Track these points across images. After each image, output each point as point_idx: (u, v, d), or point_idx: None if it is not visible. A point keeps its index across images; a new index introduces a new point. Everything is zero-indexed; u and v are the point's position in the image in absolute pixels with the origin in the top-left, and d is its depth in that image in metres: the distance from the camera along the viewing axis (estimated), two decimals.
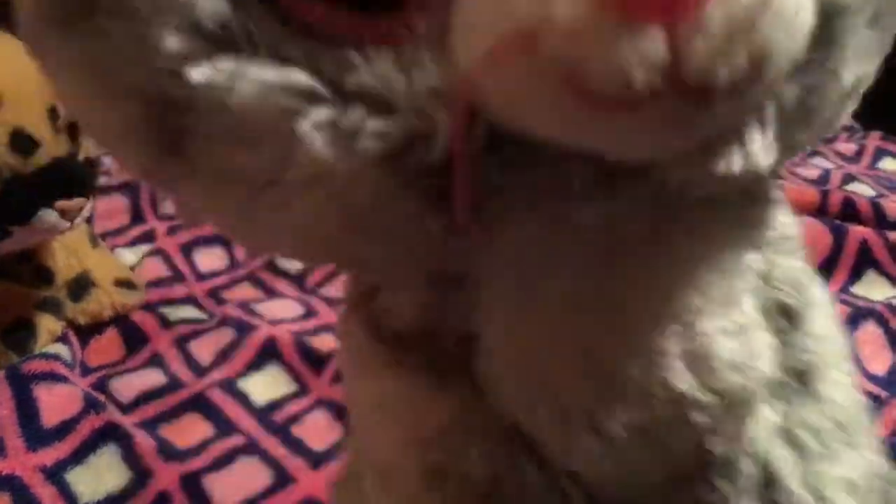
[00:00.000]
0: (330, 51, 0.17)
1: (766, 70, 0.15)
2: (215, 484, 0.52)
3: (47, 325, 0.62)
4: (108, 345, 0.66)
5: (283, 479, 0.53)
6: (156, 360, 0.64)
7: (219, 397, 0.59)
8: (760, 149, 0.19)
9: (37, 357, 0.59)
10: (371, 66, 0.17)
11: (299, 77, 0.17)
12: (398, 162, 0.17)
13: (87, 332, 0.66)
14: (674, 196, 0.20)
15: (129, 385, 0.61)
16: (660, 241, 0.21)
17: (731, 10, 0.14)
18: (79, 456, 0.52)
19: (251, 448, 0.55)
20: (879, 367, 0.63)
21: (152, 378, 0.61)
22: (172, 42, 0.16)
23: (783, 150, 0.20)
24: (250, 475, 0.53)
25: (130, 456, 0.52)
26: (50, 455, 0.52)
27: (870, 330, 0.64)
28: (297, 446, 0.55)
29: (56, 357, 0.59)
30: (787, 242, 0.26)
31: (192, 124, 0.18)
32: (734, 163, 0.19)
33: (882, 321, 0.65)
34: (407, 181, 0.18)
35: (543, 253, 0.20)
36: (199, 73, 0.17)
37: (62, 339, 0.63)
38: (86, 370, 0.63)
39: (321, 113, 0.17)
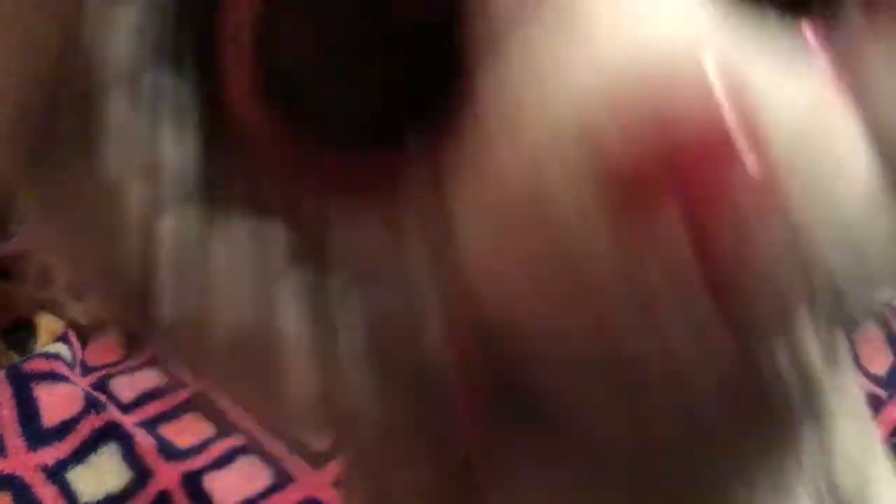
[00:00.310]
0: (313, 201, 0.15)
1: (805, 254, 0.13)
2: (215, 483, 0.52)
3: (48, 324, 0.63)
4: (108, 344, 0.66)
5: (283, 478, 0.53)
6: (156, 360, 0.64)
7: (219, 397, 0.59)
8: (808, 338, 0.15)
9: (37, 356, 0.59)
10: (357, 230, 0.15)
11: (277, 233, 0.15)
12: (399, 405, 0.15)
13: (87, 331, 0.66)
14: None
15: (130, 385, 0.61)
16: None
17: (756, 185, 0.12)
18: (79, 455, 0.52)
19: (251, 447, 0.55)
20: (879, 367, 0.63)
21: (153, 378, 0.61)
22: (138, 195, 0.14)
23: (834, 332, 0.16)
24: (250, 475, 0.53)
25: (131, 455, 0.52)
26: (51, 454, 0.52)
27: (870, 330, 0.64)
28: (297, 446, 0.55)
29: (56, 356, 0.59)
30: (848, 419, 0.21)
31: (161, 316, 0.15)
32: (780, 361, 0.15)
33: (882, 321, 0.65)
34: (414, 425, 0.16)
35: (540, 476, 0.18)
36: (167, 228, 0.14)
37: (62, 338, 0.63)
38: (86, 370, 0.63)
39: (300, 275, 0.15)
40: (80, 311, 0.66)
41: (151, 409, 0.58)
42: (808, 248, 0.13)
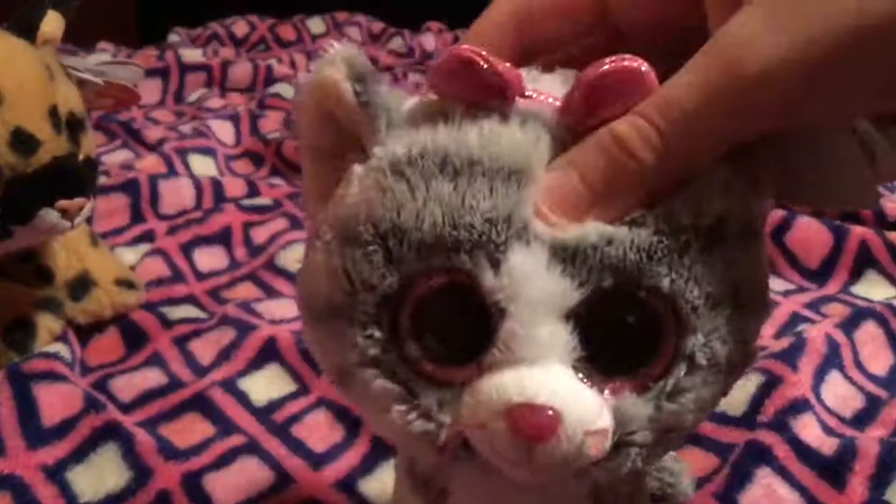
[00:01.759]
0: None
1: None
2: (216, 483, 0.52)
3: (47, 324, 0.62)
4: (107, 344, 0.66)
5: (283, 478, 0.52)
6: (156, 360, 0.63)
7: (219, 397, 0.59)
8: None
9: (37, 356, 0.59)
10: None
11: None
12: None
13: (86, 331, 0.66)
14: None
15: (130, 384, 0.61)
16: None
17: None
18: (79, 455, 0.52)
19: (251, 448, 0.55)
20: (879, 367, 0.63)
21: (152, 377, 0.61)
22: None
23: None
24: (250, 475, 0.53)
25: (131, 455, 0.52)
26: (50, 454, 0.52)
27: (870, 330, 0.64)
28: (297, 446, 0.55)
29: (56, 356, 0.59)
30: None
31: None
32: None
33: (882, 321, 0.65)
34: None
35: None
36: None
37: (61, 338, 0.63)
38: (85, 369, 0.63)
39: None
40: (79, 311, 0.66)
41: (151, 409, 0.58)
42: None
